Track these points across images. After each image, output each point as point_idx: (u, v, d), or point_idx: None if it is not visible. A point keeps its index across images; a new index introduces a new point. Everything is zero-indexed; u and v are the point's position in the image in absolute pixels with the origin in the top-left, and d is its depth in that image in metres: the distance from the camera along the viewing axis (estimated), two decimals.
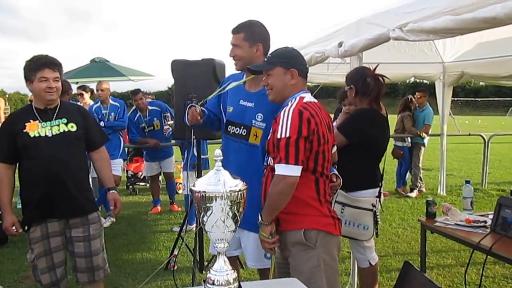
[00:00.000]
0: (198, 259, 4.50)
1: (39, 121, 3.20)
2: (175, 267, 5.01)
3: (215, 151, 1.95)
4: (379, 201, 3.60)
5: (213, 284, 1.88)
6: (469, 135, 11.23)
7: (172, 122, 6.90)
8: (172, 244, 5.26)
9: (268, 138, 2.60)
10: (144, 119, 7.33)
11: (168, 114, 7.12)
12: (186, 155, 6.14)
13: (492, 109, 54.16)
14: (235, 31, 3.04)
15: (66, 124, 3.26)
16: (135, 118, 7.40)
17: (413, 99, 8.83)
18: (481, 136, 9.79)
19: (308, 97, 2.59)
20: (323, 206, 2.55)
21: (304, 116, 2.42)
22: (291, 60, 2.63)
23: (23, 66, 3.22)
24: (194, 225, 5.96)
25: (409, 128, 8.62)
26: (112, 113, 6.98)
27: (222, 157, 1.93)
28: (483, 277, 3.74)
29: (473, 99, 55.60)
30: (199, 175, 4.58)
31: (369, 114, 3.60)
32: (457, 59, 7.67)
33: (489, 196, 8.61)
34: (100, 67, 11.50)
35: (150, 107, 7.41)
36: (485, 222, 3.58)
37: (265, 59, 2.73)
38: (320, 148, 2.49)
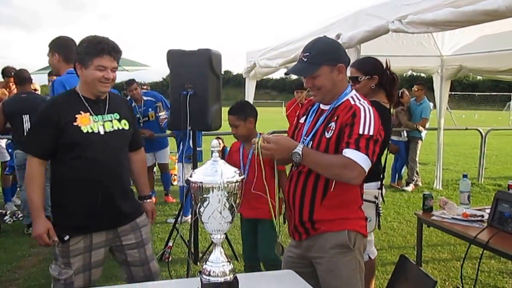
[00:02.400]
0: (192, 251, 4.48)
1: (90, 114, 2.71)
2: (170, 259, 4.99)
3: (212, 142, 1.92)
4: (381, 193, 3.58)
5: (209, 275, 1.88)
6: (466, 129, 11.22)
7: (164, 112, 6.87)
8: (167, 236, 5.24)
9: (318, 137, 2.40)
10: (139, 110, 7.24)
11: (160, 104, 7.05)
12: (181, 146, 6.10)
13: (489, 103, 54.23)
14: None
15: (119, 121, 2.81)
16: None
17: (404, 92, 8.80)
18: (478, 130, 9.79)
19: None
20: (361, 209, 2.52)
21: (380, 122, 2.34)
22: (336, 55, 2.42)
23: (77, 46, 2.73)
24: (189, 216, 5.93)
25: (405, 123, 8.60)
26: None
27: (219, 148, 1.91)
28: (478, 272, 3.74)
29: (470, 93, 55.68)
30: (194, 166, 4.55)
31: (380, 108, 3.55)
32: (455, 52, 7.65)
33: (485, 191, 8.63)
34: None
35: (145, 98, 7.31)
36: (482, 216, 3.57)
37: (303, 59, 2.41)
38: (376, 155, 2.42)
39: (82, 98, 2.73)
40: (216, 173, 1.84)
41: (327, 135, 2.37)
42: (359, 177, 2.25)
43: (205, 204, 1.83)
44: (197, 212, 1.89)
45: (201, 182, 1.82)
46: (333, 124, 2.37)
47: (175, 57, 4.21)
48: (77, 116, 2.67)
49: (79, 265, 2.71)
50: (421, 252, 4.08)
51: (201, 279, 1.90)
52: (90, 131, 2.67)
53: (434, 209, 3.91)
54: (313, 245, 2.46)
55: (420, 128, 8.57)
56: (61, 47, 3.68)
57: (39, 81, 7.65)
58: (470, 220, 3.55)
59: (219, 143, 2.22)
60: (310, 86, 2.44)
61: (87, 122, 2.68)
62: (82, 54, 2.67)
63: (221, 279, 1.87)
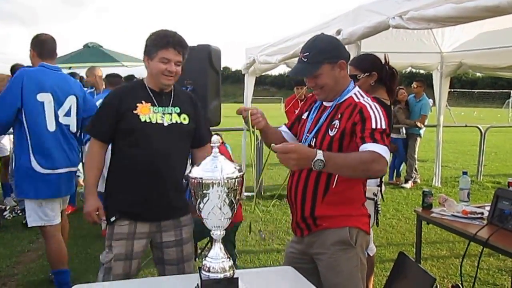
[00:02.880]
0: None
1: (152, 105, 2.77)
2: None
3: (212, 138, 1.91)
4: (380, 190, 3.57)
5: (208, 271, 1.88)
6: (466, 126, 11.22)
7: None
8: None
9: (322, 134, 2.39)
10: None
11: None
12: None
13: (488, 101, 54.15)
14: None
15: (179, 115, 2.83)
16: None
17: (400, 90, 8.78)
18: (477, 128, 9.78)
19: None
20: (364, 206, 2.51)
21: (387, 115, 2.33)
22: (336, 52, 2.39)
23: (147, 39, 2.78)
24: None
25: (403, 121, 8.60)
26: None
27: (219, 143, 1.90)
28: (478, 269, 3.73)
29: (469, 90, 55.64)
30: (193, 163, 4.53)
31: (381, 104, 3.53)
32: (455, 49, 7.63)
33: (484, 188, 8.64)
34: (93, 52, 11.39)
35: None
36: (482, 213, 3.56)
37: (303, 59, 2.39)
38: None
39: (148, 89, 2.81)
40: (216, 169, 1.83)
41: (331, 133, 2.35)
42: (385, 169, 2.21)
43: (205, 200, 1.82)
44: (196, 208, 1.88)
45: (201, 178, 1.81)
46: (336, 122, 2.35)
47: None
48: (138, 104, 2.75)
49: (120, 251, 2.74)
50: (420, 249, 4.07)
51: (200, 275, 1.89)
52: (148, 120, 2.73)
53: (433, 206, 3.90)
54: (315, 241, 2.45)
55: (420, 125, 8.56)
56: (36, 44, 3.86)
57: None
58: (470, 218, 3.54)
59: (219, 139, 2.20)
60: (312, 85, 2.43)
61: (146, 112, 2.74)
62: (149, 46, 2.76)
63: (221, 275, 1.87)
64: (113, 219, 2.76)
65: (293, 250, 2.61)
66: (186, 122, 2.84)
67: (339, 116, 2.35)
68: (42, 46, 3.84)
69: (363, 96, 2.40)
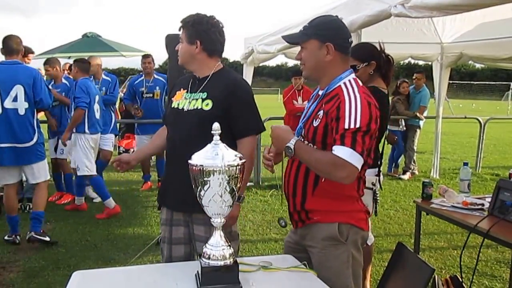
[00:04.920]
0: None
1: (187, 91, 2.71)
2: None
3: (213, 125, 1.90)
4: (379, 180, 3.55)
5: (209, 258, 1.88)
6: (465, 118, 11.19)
7: None
8: None
9: (309, 124, 2.34)
10: (146, 84, 7.26)
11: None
12: None
13: (487, 93, 54.07)
14: None
15: (203, 100, 2.63)
16: (136, 81, 7.37)
17: (406, 83, 8.75)
18: (477, 119, 9.77)
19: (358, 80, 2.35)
20: (359, 202, 2.44)
21: (372, 110, 2.19)
22: (329, 32, 2.30)
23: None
24: None
25: (402, 112, 8.57)
26: (103, 88, 7.00)
27: (220, 131, 1.89)
28: (478, 261, 3.72)
29: (468, 82, 55.60)
30: None
31: (376, 94, 3.49)
32: (456, 39, 7.59)
33: (483, 181, 8.61)
34: (92, 42, 11.39)
35: (156, 76, 7.37)
36: (483, 205, 3.54)
37: (302, 29, 2.38)
38: (373, 143, 2.35)
39: (193, 76, 2.76)
40: (217, 156, 1.82)
41: (315, 123, 2.29)
42: (350, 177, 2.13)
43: (205, 187, 1.82)
44: (197, 195, 1.87)
45: (202, 165, 1.80)
46: (321, 112, 2.28)
47: (173, 42, 4.14)
48: (177, 91, 2.78)
49: (164, 235, 2.81)
50: (419, 240, 4.06)
51: (200, 263, 1.89)
52: (176, 106, 2.71)
53: (433, 197, 3.88)
54: (307, 234, 2.43)
55: (420, 116, 8.53)
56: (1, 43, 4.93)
57: (36, 66, 7.62)
58: (470, 209, 3.52)
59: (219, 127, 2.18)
60: (298, 58, 2.39)
61: (179, 98, 2.73)
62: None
63: (221, 263, 1.87)
64: (158, 205, 2.87)
65: (289, 240, 2.61)
66: (208, 107, 2.61)
67: (323, 105, 2.29)
68: (2, 45, 4.91)
69: (352, 86, 2.26)
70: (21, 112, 4.82)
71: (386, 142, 4.04)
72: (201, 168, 1.79)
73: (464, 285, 3.43)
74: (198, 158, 1.84)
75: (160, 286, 1.96)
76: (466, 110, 28.33)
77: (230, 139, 2.47)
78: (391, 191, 7.78)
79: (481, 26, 6.36)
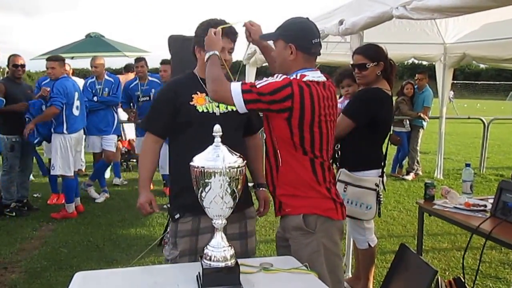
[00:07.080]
0: None
1: (206, 95, 2.65)
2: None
3: (214, 127, 1.91)
4: (382, 181, 3.55)
5: (210, 259, 1.89)
6: (469, 118, 11.16)
7: None
8: (166, 221, 5.24)
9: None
10: (141, 88, 7.20)
11: None
12: None
13: (491, 93, 53.82)
14: None
15: None
16: (131, 85, 7.29)
17: (410, 84, 8.72)
18: (481, 120, 9.73)
19: (312, 76, 2.43)
20: (321, 186, 2.48)
21: (295, 88, 2.34)
22: (292, 34, 2.47)
23: (196, 29, 2.75)
24: None
25: (405, 112, 8.54)
26: (106, 89, 6.98)
27: (221, 133, 1.90)
28: (480, 262, 3.72)
29: (472, 82, 55.41)
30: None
31: (381, 95, 3.50)
32: (459, 40, 7.56)
33: (487, 181, 8.59)
34: (95, 42, 11.47)
35: (150, 78, 7.30)
36: (485, 206, 3.53)
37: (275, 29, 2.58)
38: (315, 128, 2.41)
39: (200, 79, 2.71)
40: (218, 158, 1.83)
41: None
42: (220, 93, 2.41)
43: (206, 189, 1.82)
44: (198, 197, 1.88)
45: (203, 167, 1.81)
46: None
47: (176, 43, 4.16)
48: (193, 96, 2.67)
49: (185, 248, 2.67)
50: (421, 241, 4.05)
51: (202, 264, 1.89)
52: (205, 110, 2.66)
53: (435, 198, 3.88)
54: (284, 226, 2.57)
55: (424, 116, 8.51)
56: None
57: (39, 67, 7.68)
58: (472, 210, 3.51)
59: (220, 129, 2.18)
60: (274, 55, 2.64)
61: (202, 102, 2.67)
62: (200, 36, 2.67)
63: (222, 264, 1.87)
64: (177, 216, 2.66)
65: (278, 233, 2.72)
66: (236, 108, 2.58)
67: None
68: None
69: (297, 76, 2.42)
70: None
71: (389, 143, 4.04)
72: (202, 170, 1.80)
73: (467, 286, 3.42)
74: (199, 160, 1.84)
75: None
76: (471, 110, 28.25)
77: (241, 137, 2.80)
78: (395, 192, 7.76)
79: (484, 27, 6.33)
